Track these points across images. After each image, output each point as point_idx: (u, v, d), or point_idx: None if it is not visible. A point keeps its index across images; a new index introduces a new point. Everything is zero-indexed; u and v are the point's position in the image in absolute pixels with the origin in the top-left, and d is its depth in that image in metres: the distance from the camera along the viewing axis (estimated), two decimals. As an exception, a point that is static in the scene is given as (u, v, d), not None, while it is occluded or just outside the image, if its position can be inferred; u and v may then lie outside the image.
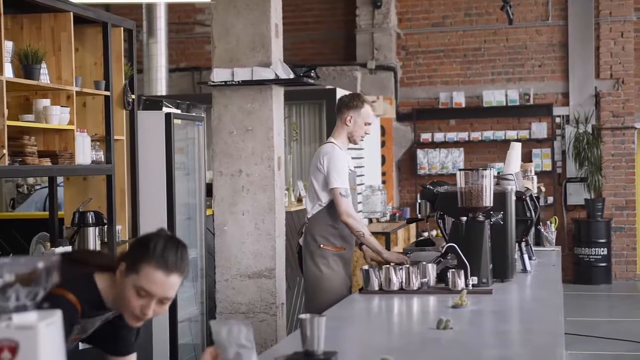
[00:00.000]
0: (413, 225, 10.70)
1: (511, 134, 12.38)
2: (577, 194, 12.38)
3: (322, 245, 5.12)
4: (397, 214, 10.43)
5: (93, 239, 5.34)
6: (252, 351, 2.34)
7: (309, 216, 5.22)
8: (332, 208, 5.09)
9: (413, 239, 10.07)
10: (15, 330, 1.69)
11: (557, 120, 12.54)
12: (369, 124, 5.22)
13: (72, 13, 5.09)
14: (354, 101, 5.21)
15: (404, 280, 4.16)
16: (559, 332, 3.22)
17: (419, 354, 2.94)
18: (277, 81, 5.42)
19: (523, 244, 4.99)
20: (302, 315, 2.72)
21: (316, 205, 5.16)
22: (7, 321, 1.70)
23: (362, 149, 10.28)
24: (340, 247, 5.17)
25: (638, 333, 8.78)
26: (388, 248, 8.75)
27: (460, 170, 4.37)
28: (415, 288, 4.15)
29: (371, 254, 5.18)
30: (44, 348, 1.69)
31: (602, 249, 12.01)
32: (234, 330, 2.33)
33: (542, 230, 6.23)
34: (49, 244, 5.38)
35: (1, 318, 1.71)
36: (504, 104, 12.53)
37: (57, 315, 1.74)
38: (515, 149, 5.56)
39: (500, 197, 4.46)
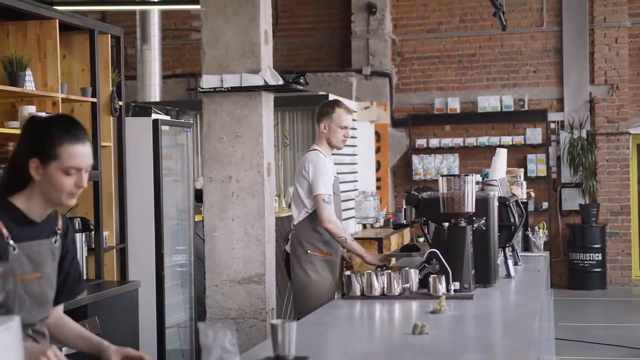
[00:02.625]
0: (407, 231, 10.71)
1: (506, 139, 12.39)
2: (571, 200, 12.39)
3: (309, 252, 5.20)
4: (392, 220, 10.44)
5: (80, 245, 5.34)
6: (236, 356, 2.38)
7: (295, 223, 5.31)
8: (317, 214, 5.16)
9: (407, 245, 10.06)
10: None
11: (552, 125, 12.55)
12: (345, 127, 5.29)
13: (57, 20, 5.12)
14: (325, 108, 5.34)
15: (385, 286, 4.18)
16: (533, 337, 3.22)
17: (392, 359, 2.95)
18: (266, 87, 5.43)
19: (508, 249, 5.00)
20: (273, 321, 2.74)
21: (302, 212, 5.25)
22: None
23: (356, 154, 10.31)
24: (327, 253, 5.24)
25: (631, 338, 8.78)
26: (380, 253, 8.77)
27: (442, 176, 4.38)
28: (396, 293, 4.15)
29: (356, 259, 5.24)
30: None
31: (596, 254, 12.01)
32: (220, 334, 2.37)
33: (530, 235, 6.24)
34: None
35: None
36: (499, 109, 12.55)
37: (14, 321, 1.76)
38: (501, 155, 5.59)
39: (483, 203, 4.47)
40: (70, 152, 2.65)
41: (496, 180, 5.12)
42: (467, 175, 4.35)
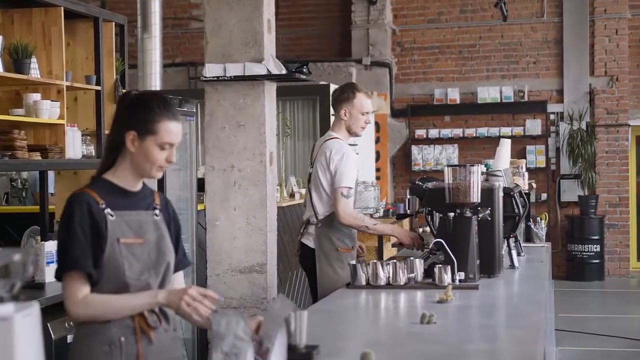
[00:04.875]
0: (407, 221, 10.73)
1: (505, 130, 12.40)
2: (570, 191, 12.41)
3: (339, 249, 5.04)
4: (391, 210, 10.45)
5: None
6: (248, 344, 2.39)
7: (320, 217, 5.07)
8: None
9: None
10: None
11: (552, 117, 12.56)
12: (367, 113, 5.08)
13: (62, 8, 5.11)
14: (345, 93, 5.10)
15: (391, 276, 4.18)
16: (540, 327, 3.24)
17: (400, 348, 2.96)
18: (269, 77, 5.42)
19: (512, 240, 5.00)
20: (285, 309, 2.74)
21: (328, 206, 5.03)
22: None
23: (356, 144, 10.30)
24: (352, 247, 5.13)
25: (629, 329, 8.81)
26: (381, 244, 8.77)
27: (448, 166, 4.38)
28: (402, 283, 4.16)
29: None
30: (20, 339, 1.71)
31: (595, 245, 12.04)
32: (232, 322, 2.38)
33: (532, 226, 6.25)
34: (39, 237, 5.39)
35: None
36: (499, 100, 12.56)
37: (34, 307, 1.76)
38: (505, 146, 5.59)
39: (488, 193, 4.47)
40: (168, 128, 2.82)
41: (500, 171, 5.13)
42: (473, 166, 4.35)
